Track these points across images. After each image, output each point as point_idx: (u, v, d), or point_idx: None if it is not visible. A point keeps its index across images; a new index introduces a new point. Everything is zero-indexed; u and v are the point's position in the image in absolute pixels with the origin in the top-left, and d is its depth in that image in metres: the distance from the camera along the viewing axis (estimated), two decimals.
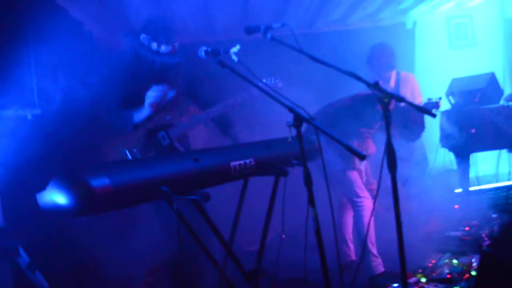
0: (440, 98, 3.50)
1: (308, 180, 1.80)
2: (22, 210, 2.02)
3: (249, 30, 2.37)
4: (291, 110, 1.78)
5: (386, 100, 1.88)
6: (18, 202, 2.07)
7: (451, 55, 5.09)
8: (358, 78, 1.95)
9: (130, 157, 2.48)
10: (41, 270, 2.04)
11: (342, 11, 4.46)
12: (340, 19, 4.67)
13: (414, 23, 4.89)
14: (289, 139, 1.81)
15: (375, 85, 1.89)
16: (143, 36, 2.51)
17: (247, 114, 3.37)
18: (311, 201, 1.79)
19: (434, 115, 1.81)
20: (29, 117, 1.96)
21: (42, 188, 1.54)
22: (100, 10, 3.03)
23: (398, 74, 3.81)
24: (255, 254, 2.26)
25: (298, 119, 1.77)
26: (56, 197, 1.50)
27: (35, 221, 2.01)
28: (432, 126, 4.23)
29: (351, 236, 3.25)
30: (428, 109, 1.85)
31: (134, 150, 2.45)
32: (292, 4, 4.04)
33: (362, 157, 1.57)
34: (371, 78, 3.61)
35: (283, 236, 2.58)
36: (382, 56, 3.68)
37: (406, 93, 3.74)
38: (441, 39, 5.12)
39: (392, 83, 3.75)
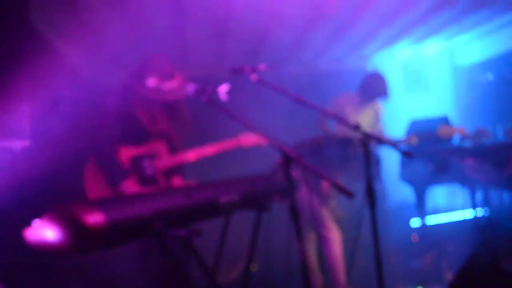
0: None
1: (295, 216, 1.89)
2: (4, 245, 1.94)
3: (234, 71, 2.48)
4: (280, 148, 1.88)
5: (367, 142, 2.05)
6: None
7: (406, 98, 5.50)
8: (341, 120, 2.12)
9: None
10: None
11: (310, 55, 4.74)
12: (309, 62, 4.96)
13: (375, 68, 5.28)
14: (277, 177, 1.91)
15: (357, 127, 2.06)
16: (149, 81, 2.50)
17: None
18: (298, 236, 1.87)
19: (411, 155, 1.98)
20: (18, 148, 1.93)
21: (28, 221, 1.51)
22: (92, 52, 3.08)
23: None
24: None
25: (287, 158, 1.87)
26: (47, 233, 1.44)
27: (17, 257, 1.93)
28: (392, 162, 4.54)
29: (316, 265, 3.37)
30: (406, 151, 2.01)
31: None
32: (266, 47, 4.25)
33: (350, 195, 1.68)
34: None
35: (255, 268, 2.62)
36: (380, 84, 3.86)
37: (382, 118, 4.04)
38: (398, 83, 5.53)
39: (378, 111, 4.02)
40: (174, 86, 2.53)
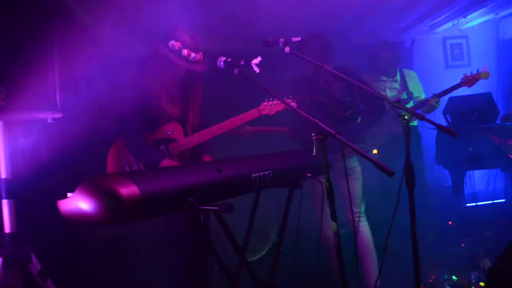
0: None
1: (330, 194, 1.82)
2: (35, 215, 1.97)
3: (268, 44, 2.40)
4: (316, 124, 1.80)
5: (406, 117, 1.93)
6: (31, 207, 2.02)
7: (446, 75, 5.21)
8: (382, 96, 2.00)
9: (128, 168, 2.48)
10: (52, 278, 1.98)
11: (344, 26, 4.54)
12: (341, 34, 4.75)
13: (413, 42, 5.02)
14: (314, 153, 1.83)
15: (397, 103, 1.94)
16: (172, 43, 2.47)
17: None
18: (333, 215, 1.81)
19: (455, 134, 1.85)
20: (49, 120, 1.93)
21: (60, 193, 1.51)
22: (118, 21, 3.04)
23: (401, 71, 3.99)
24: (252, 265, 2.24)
25: (323, 134, 1.79)
26: (82, 205, 1.45)
27: (48, 227, 1.96)
28: (429, 143, 4.33)
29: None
30: (449, 129, 1.88)
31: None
32: (293, 20, 4.07)
33: (391, 174, 1.59)
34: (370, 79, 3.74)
35: (281, 248, 2.59)
36: (389, 52, 3.81)
37: (413, 89, 3.91)
38: (437, 58, 5.26)
39: (398, 78, 3.89)
40: (199, 58, 2.53)
